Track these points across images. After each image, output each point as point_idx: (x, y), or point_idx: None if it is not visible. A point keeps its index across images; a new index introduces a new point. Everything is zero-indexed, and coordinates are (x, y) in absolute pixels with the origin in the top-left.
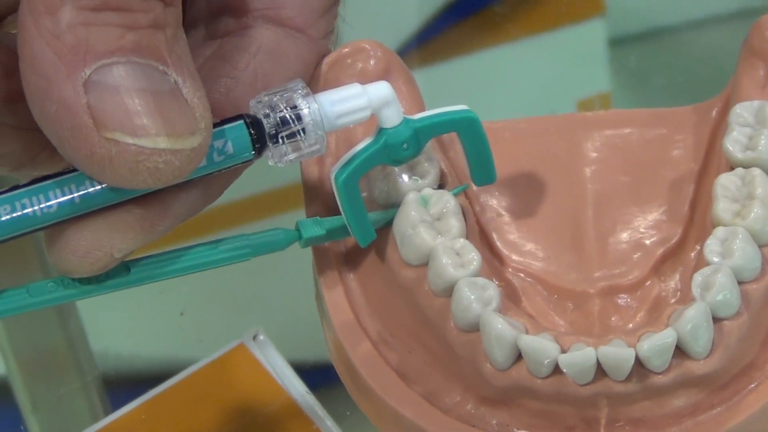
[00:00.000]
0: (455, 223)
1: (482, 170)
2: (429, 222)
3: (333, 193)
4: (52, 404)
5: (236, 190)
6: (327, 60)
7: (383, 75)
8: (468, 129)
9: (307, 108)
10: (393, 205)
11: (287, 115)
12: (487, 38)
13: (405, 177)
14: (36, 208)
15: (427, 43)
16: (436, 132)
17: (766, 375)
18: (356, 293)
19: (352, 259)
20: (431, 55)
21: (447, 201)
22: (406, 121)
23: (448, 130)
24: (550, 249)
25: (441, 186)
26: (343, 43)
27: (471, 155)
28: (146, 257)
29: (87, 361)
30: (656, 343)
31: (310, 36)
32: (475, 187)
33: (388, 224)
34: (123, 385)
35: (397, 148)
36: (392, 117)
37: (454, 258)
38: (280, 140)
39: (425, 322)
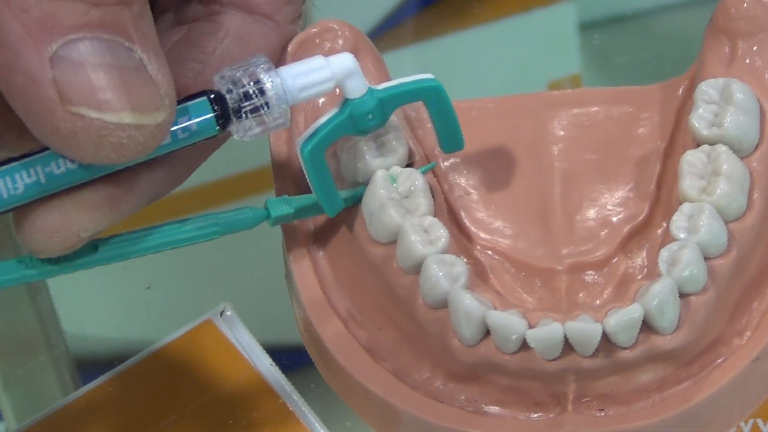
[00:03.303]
0: (423, 201)
1: (450, 138)
2: (397, 200)
3: (302, 171)
4: (23, 381)
5: (206, 174)
6: (295, 40)
7: None
8: (433, 97)
9: (269, 82)
10: (361, 183)
11: (250, 90)
12: (459, 21)
13: (373, 155)
14: (2, 189)
15: (398, 27)
16: (401, 101)
17: (732, 350)
18: (325, 271)
19: (321, 237)
20: (402, 39)
21: (415, 179)
22: (370, 91)
23: (413, 99)
24: (518, 226)
25: (409, 164)
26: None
27: (438, 123)
28: (114, 236)
29: (57, 339)
30: (623, 318)
31: (277, 22)
32: (443, 166)
33: (357, 202)
34: (92, 361)
35: (363, 119)
36: (356, 88)
37: (422, 235)
38: (244, 115)
39: (394, 299)
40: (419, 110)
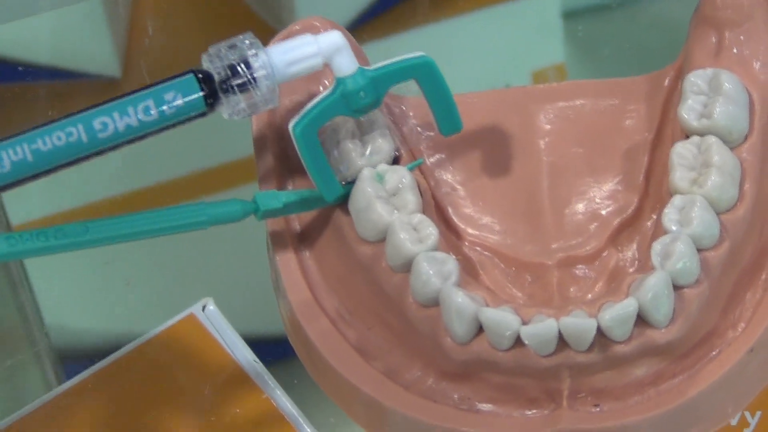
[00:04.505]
0: (411, 198)
1: (446, 118)
2: (385, 198)
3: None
4: (6, 377)
5: (190, 164)
6: (277, 37)
7: None
8: (426, 74)
9: (255, 57)
10: (348, 181)
11: (236, 65)
12: (442, 10)
13: (359, 153)
14: None
15: (382, 16)
16: (393, 79)
17: (727, 342)
18: (313, 271)
19: (307, 236)
20: (385, 28)
21: (402, 176)
22: (361, 70)
23: (405, 77)
24: (506, 222)
25: (395, 161)
26: (296, 20)
27: (433, 102)
28: (104, 219)
29: (40, 335)
30: (618, 313)
31: None
32: (429, 162)
33: (344, 201)
34: (74, 357)
35: (355, 97)
36: (345, 65)
37: (412, 233)
38: (231, 89)
39: (384, 298)
40: (403, 106)
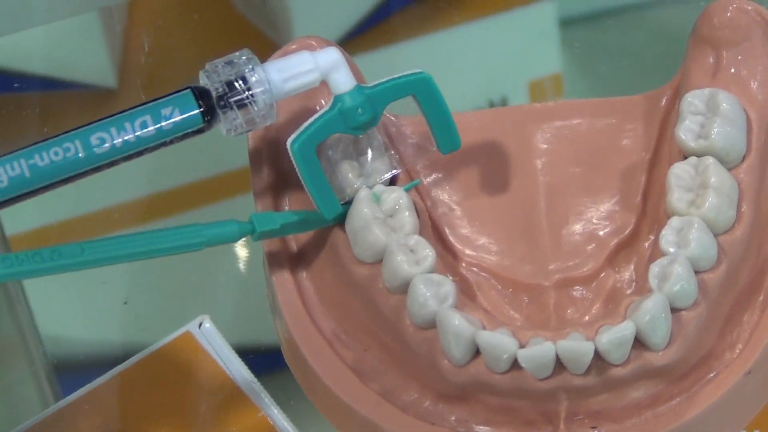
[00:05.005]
0: (408, 219)
1: (445, 135)
2: (382, 219)
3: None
4: (2, 392)
5: (187, 174)
6: (274, 56)
7: None
8: (423, 91)
9: (253, 73)
10: (345, 201)
11: (234, 81)
12: (439, 20)
13: (356, 174)
14: None
15: (378, 26)
16: (390, 96)
17: (724, 364)
18: (309, 292)
19: (304, 257)
20: (382, 39)
21: (399, 197)
22: (359, 87)
23: (402, 94)
24: (503, 242)
25: (392, 182)
26: (294, 38)
27: (431, 119)
28: (100, 240)
29: (36, 350)
30: (615, 336)
31: None
32: (426, 182)
33: (341, 222)
34: (70, 373)
35: (352, 114)
36: (343, 81)
37: (409, 255)
38: (228, 105)
39: (380, 319)
40: (400, 125)
